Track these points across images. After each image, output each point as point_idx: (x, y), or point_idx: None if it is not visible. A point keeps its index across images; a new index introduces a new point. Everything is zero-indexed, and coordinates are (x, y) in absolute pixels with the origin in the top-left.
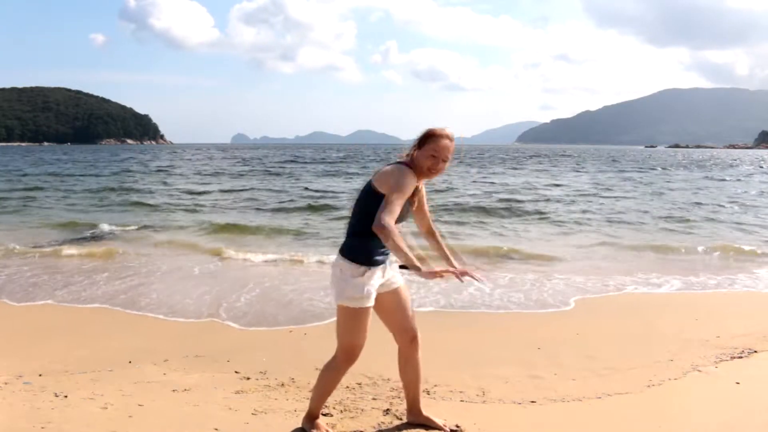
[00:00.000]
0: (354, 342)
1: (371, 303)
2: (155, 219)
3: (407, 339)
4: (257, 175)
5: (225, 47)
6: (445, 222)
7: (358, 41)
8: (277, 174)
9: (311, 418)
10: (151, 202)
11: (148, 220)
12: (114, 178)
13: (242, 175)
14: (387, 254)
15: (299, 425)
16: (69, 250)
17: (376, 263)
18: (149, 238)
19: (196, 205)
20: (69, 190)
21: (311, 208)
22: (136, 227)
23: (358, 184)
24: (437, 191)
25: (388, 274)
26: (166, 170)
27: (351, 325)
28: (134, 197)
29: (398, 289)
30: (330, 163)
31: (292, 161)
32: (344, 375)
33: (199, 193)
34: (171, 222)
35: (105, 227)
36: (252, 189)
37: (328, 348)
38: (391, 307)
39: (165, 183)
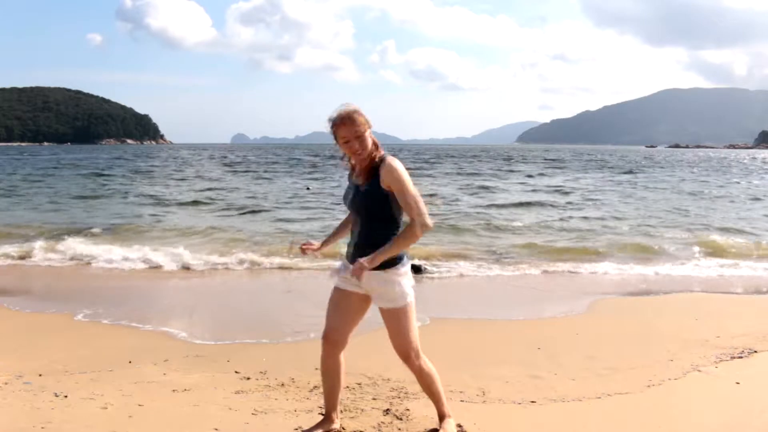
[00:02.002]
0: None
1: (334, 282)
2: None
3: (399, 356)
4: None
5: (223, 47)
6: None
7: (356, 41)
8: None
9: (325, 419)
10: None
11: None
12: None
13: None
14: (349, 251)
15: (299, 425)
16: None
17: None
18: None
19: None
20: None
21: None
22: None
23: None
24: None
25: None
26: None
27: None
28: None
29: (383, 310)
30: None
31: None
32: (326, 361)
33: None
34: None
35: None
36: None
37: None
38: (383, 320)
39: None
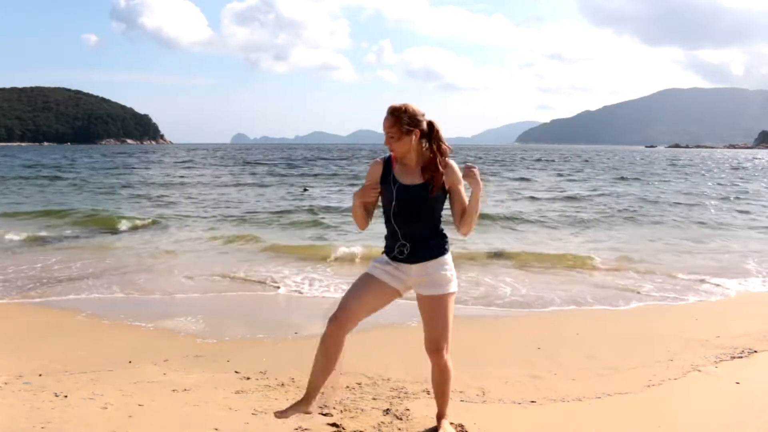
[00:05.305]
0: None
1: (369, 270)
2: None
3: (430, 349)
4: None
5: (219, 47)
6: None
7: (352, 40)
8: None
9: (303, 399)
10: None
11: None
12: None
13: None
14: (394, 253)
15: (299, 425)
16: None
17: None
18: None
19: None
20: None
21: None
22: None
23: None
24: None
25: (411, 275)
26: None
27: None
28: None
29: (433, 297)
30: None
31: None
32: (327, 340)
33: None
34: None
35: None
36: None
37: None
38: (422, 312)
39: None
